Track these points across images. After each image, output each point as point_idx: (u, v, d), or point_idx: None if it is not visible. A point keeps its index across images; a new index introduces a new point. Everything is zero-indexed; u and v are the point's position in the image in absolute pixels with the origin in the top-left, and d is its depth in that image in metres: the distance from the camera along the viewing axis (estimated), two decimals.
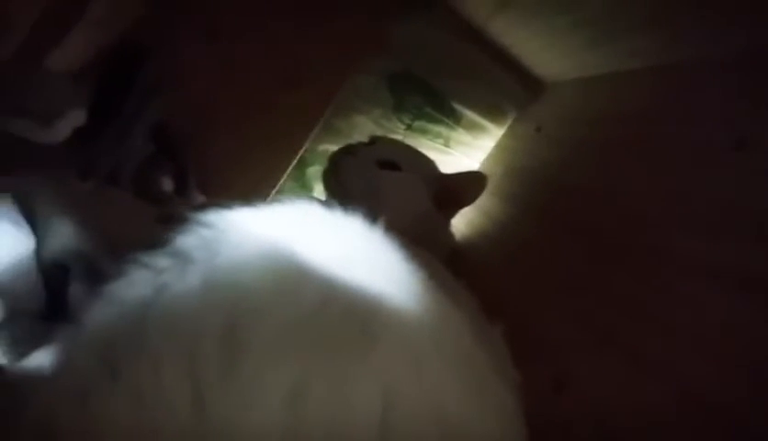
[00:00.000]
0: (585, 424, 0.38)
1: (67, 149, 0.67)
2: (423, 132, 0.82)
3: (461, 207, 0.69)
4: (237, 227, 0.31)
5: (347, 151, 0.67)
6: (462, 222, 0.77)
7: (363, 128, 0.81)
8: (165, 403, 0.23)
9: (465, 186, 0.66)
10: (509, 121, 0.83)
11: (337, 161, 0.67)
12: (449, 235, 0.69)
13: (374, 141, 0.70)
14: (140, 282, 0.28)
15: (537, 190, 0.64)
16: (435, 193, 0.65)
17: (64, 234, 0.46)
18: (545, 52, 0.73)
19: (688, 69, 0.51)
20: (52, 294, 0.44)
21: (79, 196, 0.55)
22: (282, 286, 0.27)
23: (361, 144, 0.69)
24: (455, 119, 0.82)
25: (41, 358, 0.36)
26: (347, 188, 0.62)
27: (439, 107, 0.81)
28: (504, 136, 0.82)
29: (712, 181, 0.40)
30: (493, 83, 0.81)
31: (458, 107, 0.81)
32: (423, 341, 0.29)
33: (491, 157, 0.83)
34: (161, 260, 0.29)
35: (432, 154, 0.77)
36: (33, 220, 0.46)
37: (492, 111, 0.82)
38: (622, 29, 0.56)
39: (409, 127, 0.82)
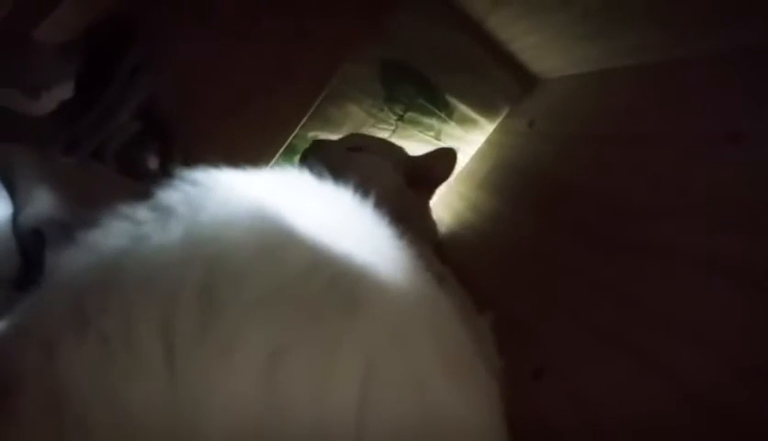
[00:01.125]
0: (565, 411, 0.38)
1: (52, 122, 0.66)
2: (415, 124, 0.82)
3: (436, 185, 0.69)
4: (224, 186, 0.30)
5: (319, 144, 0.70)
6: (450, 215, 0.77)
7: (354, 117, 0.80)
8: (135, 358, 0.22)
9: (435, 163, 0.67)
10: (501, 117, 0.83)
11: (310, 150, 0.69)
12: (430, 222, 0.69)
13: (344, 137, 0.73)
14: (117, 232, 0.27)
15: (528, 184, 0.63)
16: (407, 173, 0.65)
17: (43, 202, 0.45)
18: (541, 48, 0.73)
19: (682, 65, 0.51)
20: (28, 262, 0.43)
21: (60, 167, 0.54)
22: (267, 247, 0.26)
23: (331, 140, 0.72)
24: (447, 112, 0.82)
25: None
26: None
27: (432, 99, 0.80)
28: (495, 131, 0.82)
29: (707, 175, 0.39)
30: (488, 77, 0.80)
31: (452, 99, 0.81)
32: (408, 317, 0.28)
33: (481, 152, 0.83)
34: (141, 212, 0.28)
35: (422, 147, 0.77)
36: (12, 186, 0.45)
37: (485, 106, 0.82)
38: (617, 26, 0.56)
39: (400, 118, 0.81)
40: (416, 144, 0.82)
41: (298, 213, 0.29)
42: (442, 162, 0.67)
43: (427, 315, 0.30)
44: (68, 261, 0.27)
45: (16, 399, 0.21)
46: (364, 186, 0.37)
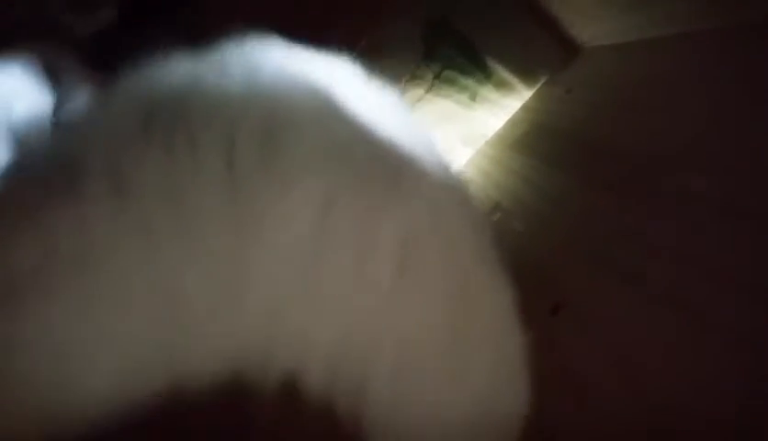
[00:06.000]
0: (582, 346, 0.37)
1: (94, 44, 0.67)
2: (451, 83, 0.81)
3: None
4: (279, 56, 0.30)
5: None
6: (480, 176, 0.77)
7: (389, 71, 0.80)
8: (199, 173, 0.22)
9: None
10: (539, 83, 0.82)
11: None
12: None
13: None
14: (178, 70, 0.28)
15: (561, 145, 0.63)
16: None
17: (83, 101, 0.46)
18: (585, 15, 0.72)
19: (725, 35, 0.50)
20: None
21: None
22: (320, 110, 0.27)
23: None
24: (485, 74, 0.81)
25: None
26: None
27: (472, 59, 0.80)
28: (532, 97, 0.81)
29: (739, 138, 0.39)
30: (530, 42, 0.79)
31: (491, 62, 0.80)
32: (450, 206, 0.28)
33: (515, 117, 0.82)
34: (201, 61, 0.29)
35: (457, 110, 0.77)
36: (57, 83, 0.47)
37: (525, 71, 0.81)
38: None
39: (437, 75, 0.81)
40: (451, 104, 0.81)
41: (348, 93, 0.29)
42: None
43: (466, 211, 0.30)
44: (134, 80, 0.27)
45: (83, 179, 0.22)
46: None
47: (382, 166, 0.26)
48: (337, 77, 0.31)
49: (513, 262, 0.46)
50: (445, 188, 0.29)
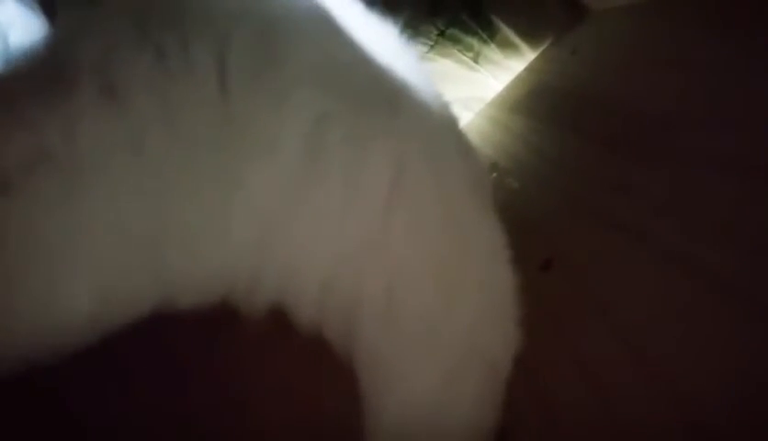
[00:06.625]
0: (573, 303, 0.38)
1: None
2: (455, 41, 0.80)
3: None
4: None
5: None
6: (479, 137, 0.76)
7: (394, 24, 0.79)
8: (191, 87, 0.22)
9: None
10: (544, 45, 0.80)
11: None
12: None
13: None
14: None
15: (561, 104, 0.62)
16: None
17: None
18: None
19: None
20: None
21: None
22: (324, 29, 0.26)
23: None
24: (490, 33, 0.79)
25: None
26: None
27: (476, 16, 0.78)
28: (536, 59, 0.80)
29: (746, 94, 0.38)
30: (538, 3, 0.78)
31: (496, 20, 0.79)
32: (440, 135, 0.28)
33: (518, 78, 0.81)
34: None
35: (459, 70, 0.76)
36: (51, 14, 0.45)
37: (530, 32, 0.80)
38: None
39: (442, 33, 0.79)
40: (454, 64, 0.80)
41: (350, 19, 0.28)
42: None
43: (457, 142, 0.30)
44: None
45: (75, 85, 0.21)
46: None
47: (379, 91, 0.26)
48: (340, 3, 0.30)
49: (506, 218, 0.46)
50: (439, 119, 0.29)
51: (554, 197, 0.47)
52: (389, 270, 0.22)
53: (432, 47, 0.80)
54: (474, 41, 0.80)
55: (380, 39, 0.30)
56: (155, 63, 0.22)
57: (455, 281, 0.24)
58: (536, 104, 0.68)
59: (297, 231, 0.22)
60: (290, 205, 0.22)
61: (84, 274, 0.20)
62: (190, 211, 0.21)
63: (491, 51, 0.81)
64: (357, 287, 0.22)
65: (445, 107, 0.31)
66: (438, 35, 0.80)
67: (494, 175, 0.60)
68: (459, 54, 0.81)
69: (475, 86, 0.83)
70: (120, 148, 0.21)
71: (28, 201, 0.20)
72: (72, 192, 0.20)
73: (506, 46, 0.80)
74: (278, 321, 0.20)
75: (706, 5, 0.53)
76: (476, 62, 0.81)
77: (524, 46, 0.80)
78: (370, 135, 0.24)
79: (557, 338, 0.38)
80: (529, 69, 0.80)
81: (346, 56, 0.26)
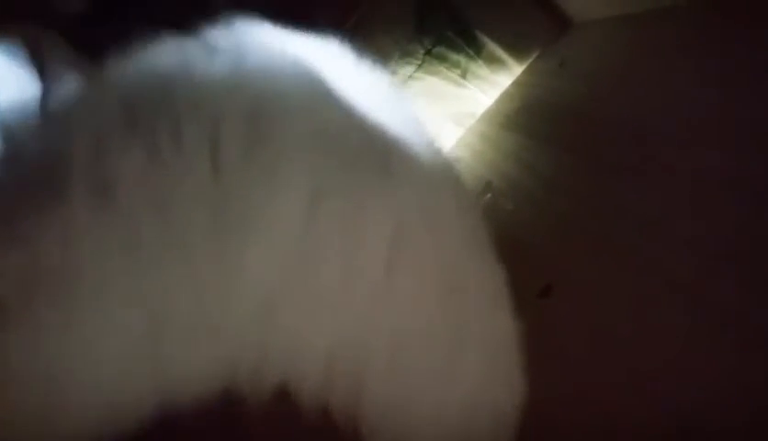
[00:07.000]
0: (573, 328, 0.38)
1: (81, 24, 0.66)
2: (442, 59, 0.80)
3: None
4: (267, 38, 0.30)
5: None
6: (471, 155, 0.77)
7: (381, 47, 0.79)
8: (183, 164, 0.22)
9: None
10: (530, 59, 0.81)
11: None
12: None
13: None
14: (166, 54, 0.27)
15: (552, 120, 0.63)
16: None
17: (70, 84, 0.45)
18: None
19: (709, 6, 0.49)
20: None
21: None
22: (311, 96, 0.26)
23: None
24: (476, 49, 0.80)
25: None
26: None
27: (462, 33, 0.79)
28: (524, 73, 0.81)
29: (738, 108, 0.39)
30: (522, 16, 0.79)
31: (482, 36, 0.79)
32: (437, 192, 0.28)
33: (506, 93, 0.82)
34: (188, 44, 0.28)
35: (447, 87, 0.76)
36: (41, 68, 0.46)
37: (516, 46, 0.80)
38: None
39: (428, 52, 0.80)
40: (442, 82, 0.80)
41: (338, 77, 0.29)
42: None
43: (454, 194, 0.30)
44: (120, 68, 0.27)
45: (65, 182, 0.21)
46: None
47: (371, 154, 0.26)
48: (326, 60, 0.30)
49: (503, 242, 0.47)
50: (434, 172, 0.29)
51: (549, 220, 0.48)
52: (391, 341, 0.23)
53: (419, 66, 0.81)
54: (461, 58, 0.80)
55: (371, 93, 0.31)
56: (147, 155, 0.22)
57: (459, 345, 0.25)
58: (527, 120, 0.69)
59: (299, 309, 0.22)
60: (291, 283, 0.22)
61: (85, 395, 0.20)
62: (189, 302, 0.21)
63: (479, 67, 0.81)
64: (360, 360, 0.22)
65: (439, 155, 0.32)
66: (425, 53, 0.80)
67: (488, 196, 0.61)
68: (447, 71, 0.81)
69: (464, 103, 0.83)
70: (116, 251, 0.21)
71: (28, 333, 0.20)
72: (71, 314, 0.20)
73: (493, 61, 0.81)
74: (283, 400, 0.20)
75: (692, 17, 0.54)
76: (464, 78, 0.82)
77: (510, 60, 0.81)
78: (365, 199, 0.24)
79: (560, 367, 0.38)
80: (518, 83, 0.81)
81: (336, 122, 0.26)
